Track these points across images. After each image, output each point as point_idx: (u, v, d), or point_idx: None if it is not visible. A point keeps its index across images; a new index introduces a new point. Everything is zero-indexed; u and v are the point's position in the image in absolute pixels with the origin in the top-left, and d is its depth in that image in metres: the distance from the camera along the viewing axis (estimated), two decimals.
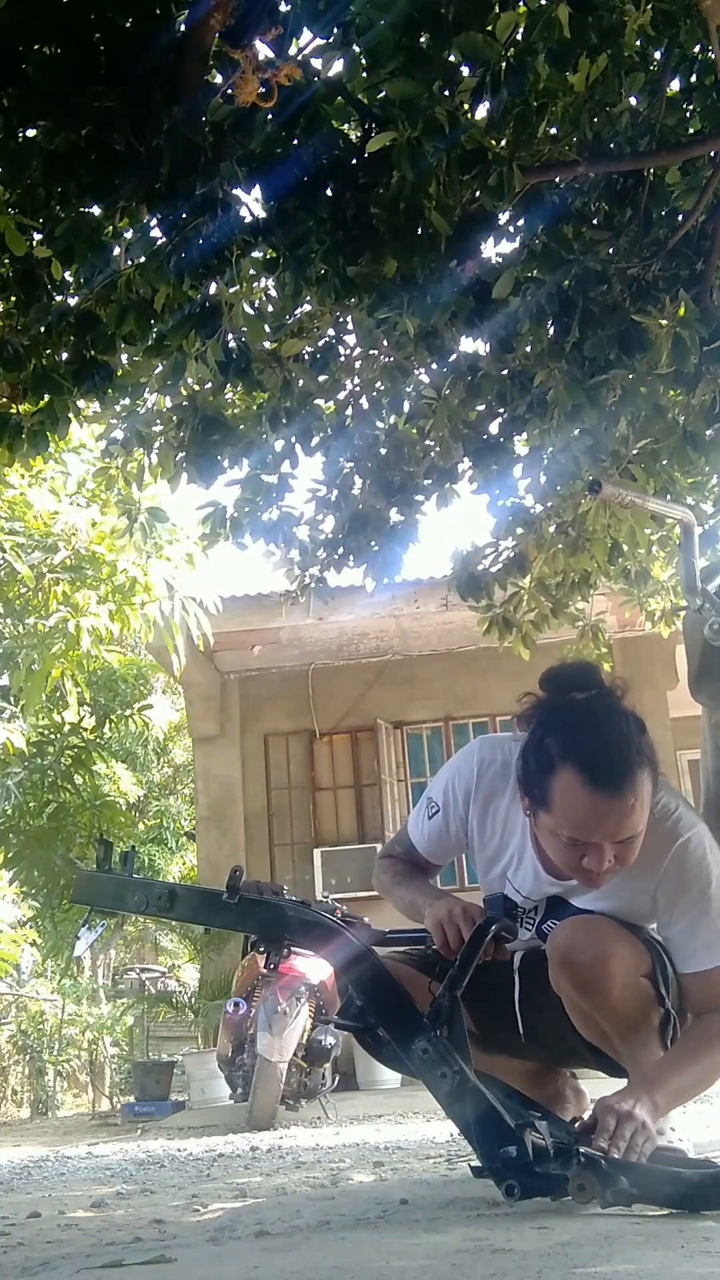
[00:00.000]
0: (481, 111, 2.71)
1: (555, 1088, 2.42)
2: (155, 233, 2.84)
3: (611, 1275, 1.24)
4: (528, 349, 3.71)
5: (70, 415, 3.41)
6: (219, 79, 2.61)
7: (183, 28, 2.48)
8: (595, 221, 3.47)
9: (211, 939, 8.18)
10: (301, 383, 3.96)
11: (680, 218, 3.47)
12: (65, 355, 3.20)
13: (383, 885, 2.31)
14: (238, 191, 2.71)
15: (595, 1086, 2.27)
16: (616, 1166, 1.66)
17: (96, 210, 2.68)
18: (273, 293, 3.66)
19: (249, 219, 2.74)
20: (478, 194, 2.77)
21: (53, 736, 9.81)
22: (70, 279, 2.99)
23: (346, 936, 2.00)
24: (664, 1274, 1.23)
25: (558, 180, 3.30)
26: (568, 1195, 1.65)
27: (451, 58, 2.53)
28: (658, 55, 3.18)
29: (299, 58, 2.57)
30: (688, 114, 3.43)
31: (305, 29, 2.50)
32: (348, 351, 4.15)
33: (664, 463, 3.98)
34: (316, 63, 2.67)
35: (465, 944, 1.92)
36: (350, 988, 2.00)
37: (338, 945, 2.00)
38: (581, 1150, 1.67)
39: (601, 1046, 2.09)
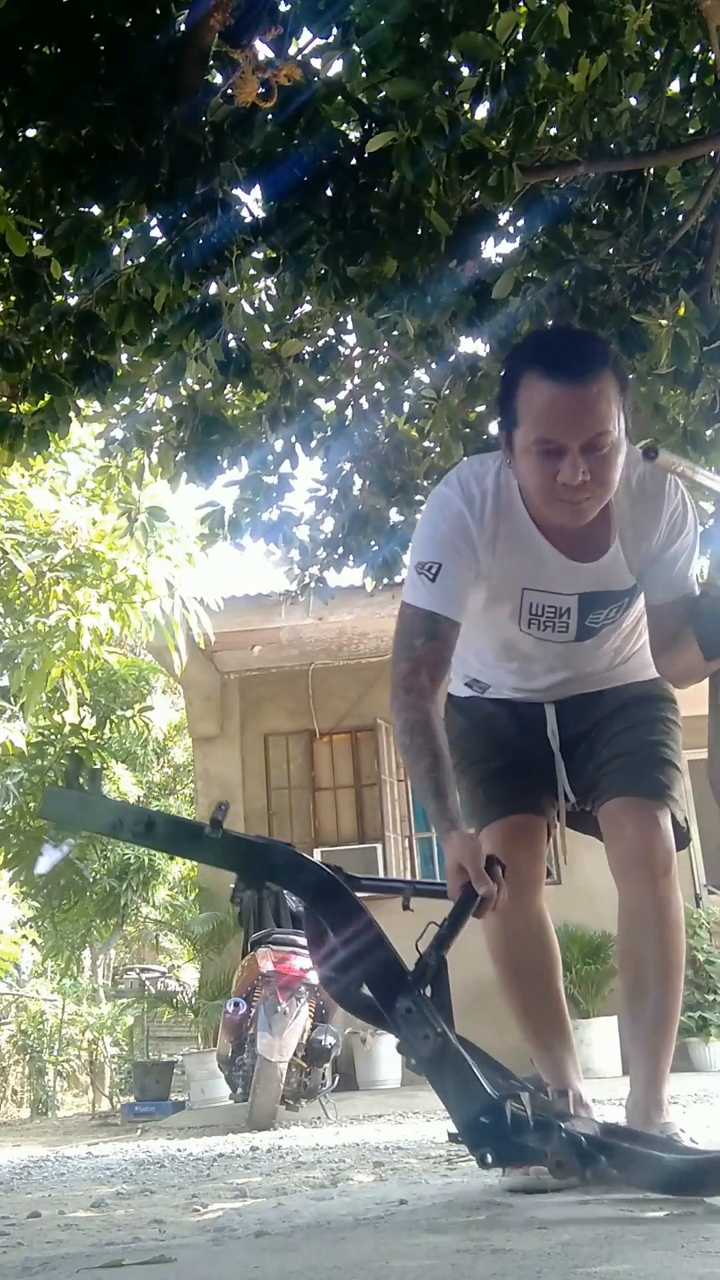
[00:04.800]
0: (481, 111, 2.71)
1: (562, 1036, 2.35)
2: (155, 233, 2.84)
3: (611, 1275, 1.24)
4: None
5: (70, 415, 3.42)
6: (219, 79, 2.61)
7: (183, 28, 2.48)
8: (595, 221, 3.46)
9: (212, 939, 8.18)
10: (301, 383, 3.96)
11: (680, 218, 3.47)
12: (65, 355, 3.20)
13: (399, 736, 2.04)
14: (238, 191, 2.71)
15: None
16: (597, 1146, 1.64)
17: (96, 210, 2.69)
18: (273, 293, 3.66)
19: (249, 219, 2.75)
20: (478, 194, 2.77)
21: (53, 736, 9.81)
22: (70, 279, 2.99)
23: (339, 884, 1.89)
24: (664, 1274, 1.23)
25: (558, 180, 3.30)
26: (544, 1168, 1.64)
27: (451, 58, 2.54)
28: (658, 55, 3.18)
29: (299, 58, 2.57)
30: (688, 114, 3.43)
31: (305, 29, 2.50)
32: (348, 351, 4.15)
33: None
34: (316, 63, 2.67)
35: (455, 903, 1.82)
36: (332, 935, 1.89)
37: (329, 894, 1.89)
38: (563, 1126, 1.65)
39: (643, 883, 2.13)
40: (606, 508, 2.01)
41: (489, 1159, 1.69)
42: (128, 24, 2.49)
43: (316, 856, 8.82)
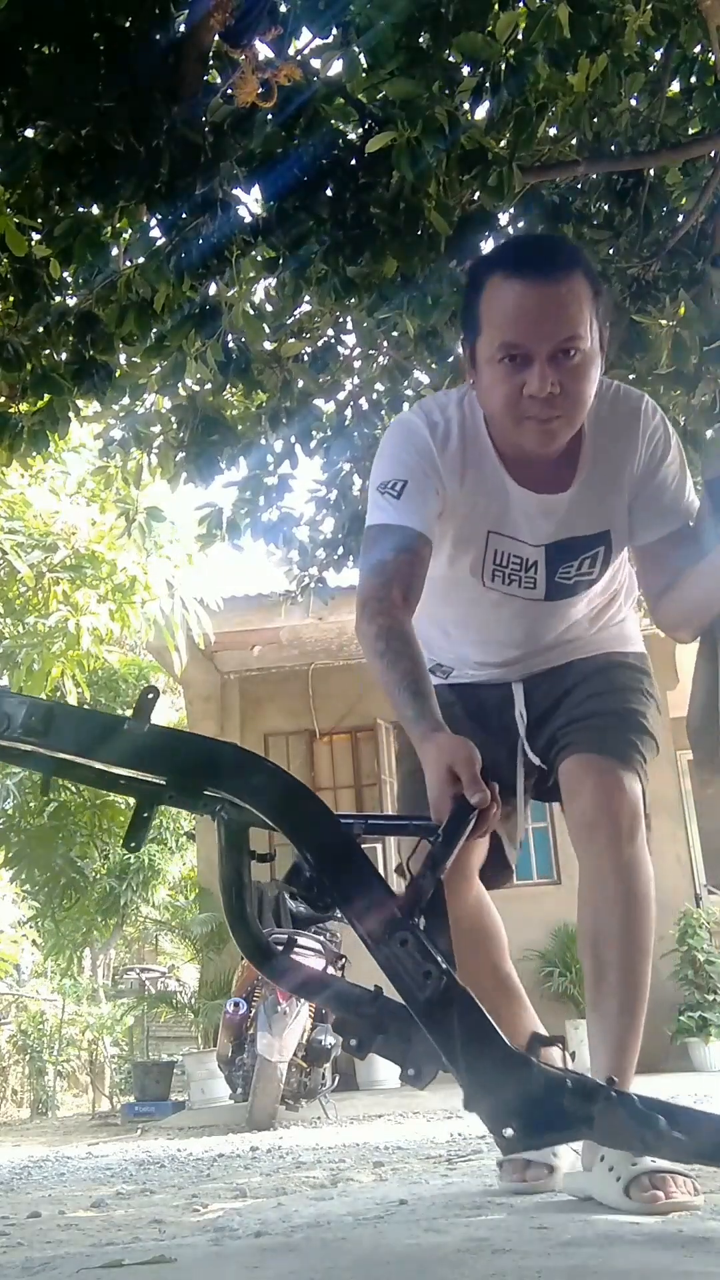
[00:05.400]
0: (481, 111, 2.71)
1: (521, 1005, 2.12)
2: (155, 233, 2.85)
3: (612, 1275, 1.24)
4: None
5: (70, 415, 3.42)
6: (219, 79, 2.61)
7: (183, 28, 2.48)
8: (595, 221, 3.47)
9: (212, 939, 8.17)
10: (301, 383, 3.96)
11: (680, 218, 3.47)
12: (65, 355, 3.20)
13: (365, 643, 1.80)
14: (238, 191, 2.72)
15: None
16: (653, 1106, 1.33)
17: (96, 210, 2.69)
18: (273, 293, 3.66)
19: (249, 219, 2.75)
20: (478, 194, 2.77)
21: None
22: (70, 279, 3.00)
23: (302, 790, 1.54)
24: (665, 1274, 1.23)
25: (558, 180, 3.31)
26: (587, 1137, 1.35)
27: (451, 58, 2.54)
28: (658, 55, 3.18)
29: (299, 58, 2.57)
30: (688, 114, 3.43)
31: (305, 29, 2.50)
32: (348, 351, 4.15)
33: None
34: (316, 63, 2.68)
35: (450, 816, 1.52)
36: (303, 853, 1.49)
37: (290, 801, 1.49)
38: (611, 1084, 1.34)
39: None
40: (577, 436, 1.85)
41: (517, 1137, 1.33)
42: (128, 24, 2.49)
43: None
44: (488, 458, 1.89)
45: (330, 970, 5.74)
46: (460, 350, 1.96)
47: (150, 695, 1.50)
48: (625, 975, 1.87)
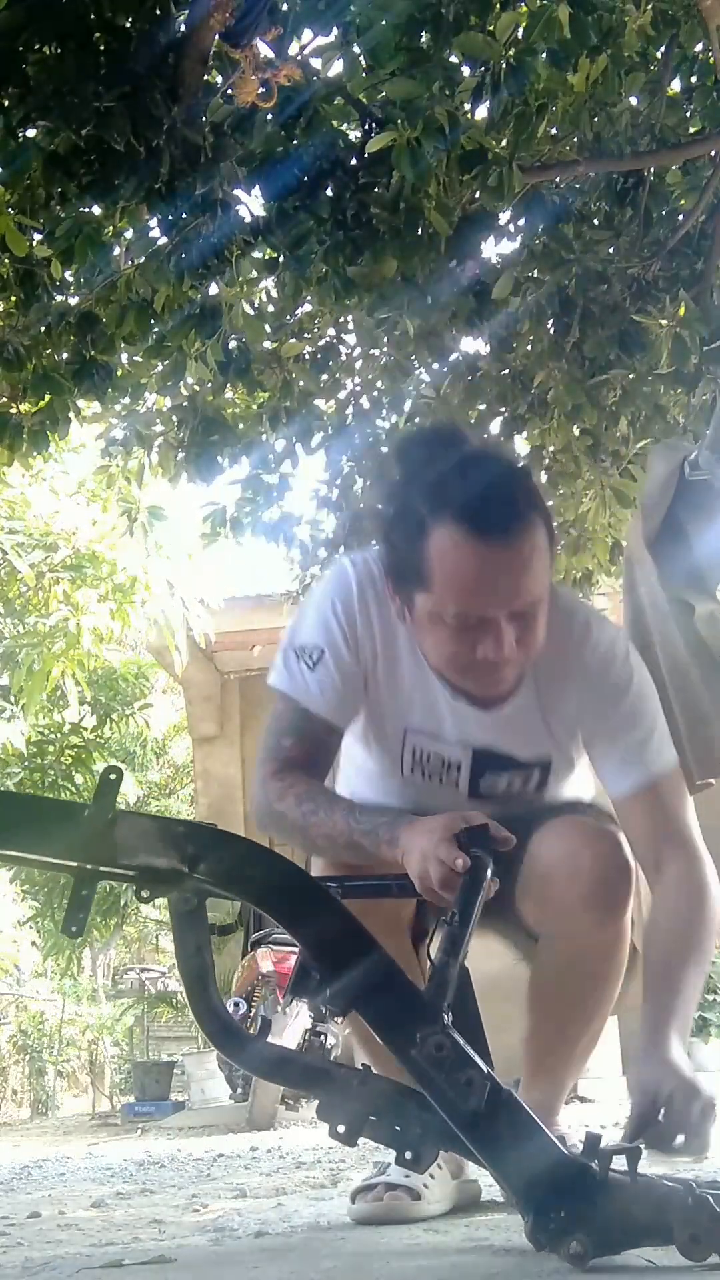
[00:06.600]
0: (481, 111, 2.71)
1: None
2: (155, 233, 2.85)
3: (612, 1276, 1.24)
4: (528, 349, 3.71)
5: (70, 415, 3.42)
6: (219, 79, 2.62)
7: (183, 28, 2.48)
8: (595, 221, 3.47)
9: (212, 939, 8.17)
10: (302, 383, 3.96)
11: (680, 218, 3.47)
12: (65, 355, 3.20)
13: (286, 819, 1.60)
14: (238, 191, 2.72)
15: None
16: None
17: (96, 210, 2.69)
18: (273, 293, 3.67)
19: (249, 219, 2.75)
20: (478, 194, 2.78)
21: (53, 736, 9.81)
22: (70, 279, 3.00)
23: (298, 875, 1.35)
24: (667, 1274, 1.22)
25: (558, 180, 3.31)
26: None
27: (452, 58, 2.54)
28: (658, 55, 3.18)
29: (299, 58, 2.57)
30: (688, 114, 3.43)
31: (305, 29, 2.51)
32: (348, 351, 4.15)
33: None
34: (316, 63, 2.68)
35: (462, 885, 1.34)
36: (309, 952, 1.32)
37: (288, 892, 1.32)
38: (693, 1185, 1.16)
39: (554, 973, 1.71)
40: None
41: (582, 1249, 1.17)
42: (128, 24, 2.49)
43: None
44: (413, 654, 1.67)
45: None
46: (379, 514, 1.68)
47: (113, 776, 1.30)
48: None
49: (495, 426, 4.11)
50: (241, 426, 4.11)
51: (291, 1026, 5.75)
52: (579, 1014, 1.75)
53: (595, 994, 1.73)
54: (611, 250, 3.44)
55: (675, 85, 3.35)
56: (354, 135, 2.84)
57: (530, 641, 1.55)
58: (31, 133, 2.54)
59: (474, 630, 1.52)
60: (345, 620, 1.67)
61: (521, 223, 3.30)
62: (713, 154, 3.34)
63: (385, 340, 3.90)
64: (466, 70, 2.57)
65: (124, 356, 3.54)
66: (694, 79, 3.33)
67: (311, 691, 1.66)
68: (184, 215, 2.60)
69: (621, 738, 1.67)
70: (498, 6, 2.52)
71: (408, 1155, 1.28)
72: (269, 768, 1.65)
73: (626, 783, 1.66)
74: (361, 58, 2.57)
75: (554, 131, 3.13)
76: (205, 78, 2.56)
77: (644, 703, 1.68)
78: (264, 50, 2.45)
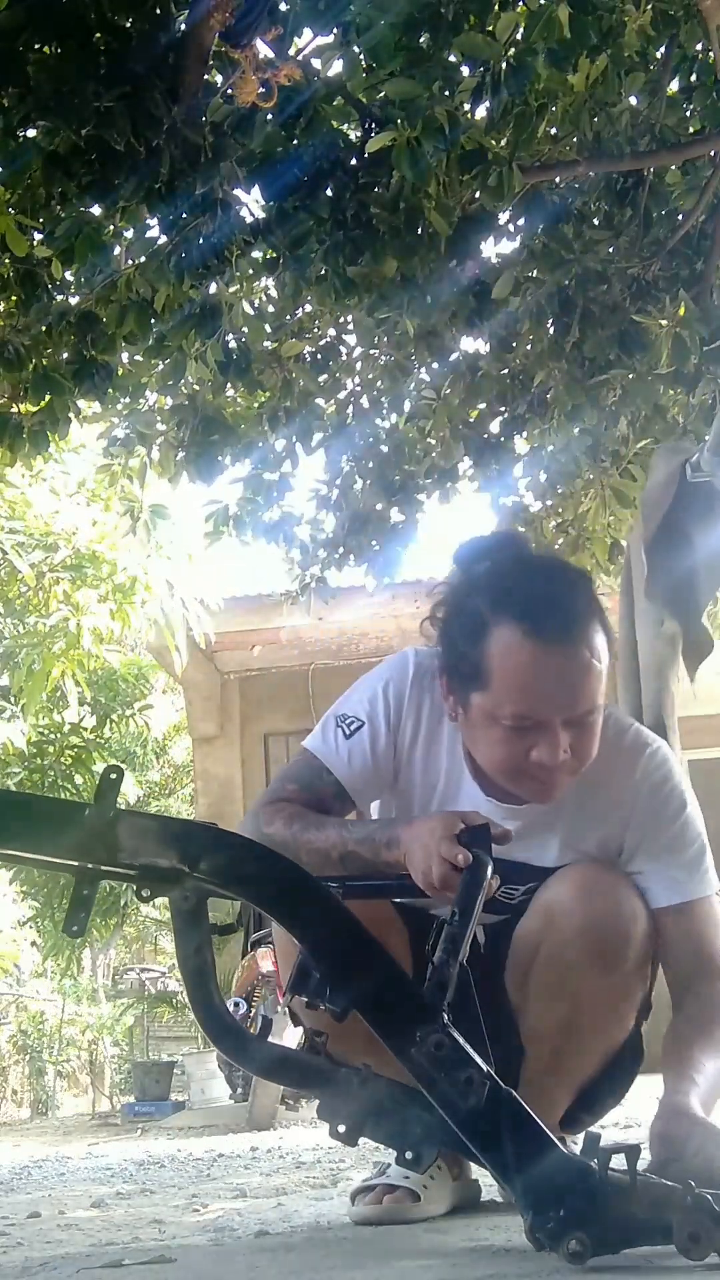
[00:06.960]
0: (481, 111, 2.71)
1: None
2: (155, 233, 2.85)
3: (612, 1275, 1.24)
4: (528, 349, 3.71)
5: (70, 415, 3.42)
6: (219, 79, 2.62)
7: (183, 28, 2.48)
8: (595, 221, 3.47)
9: (212, 939, 8.17)
10: (301, 383, 3.96)
11: (680, 218, 3.47)
12: (65, 355, 3.20)
13: (275, 840, 1.60)
14: (238, 191, 2.72)
15: None
16: None
17: (96, 210, 2.69)
18: (273, 293, 3.67)
19: (249, 219, 2.75)
20: (478, 194, 2.78)
21: (53, 736, 9.82)
22: (70, 279, 3.00)
23: (298, 874, 1.34)
24: (668, 1275, 1.22)
25: (558, 180, 3.31)
26: (666, 1245, 1.19)
27: (452, 58, 2.54)
28: (658, 55, 3.18)
29: (299, 58, 2.57)
30: (688, 114, 3.43)
31: (305, 29, 2.51)
32: (348, 351, 4.15)
33: None
34: (316, 63, 2.68)
35: (462, 884, 1.37)
36: (308, 951, 1.30)
37: (287, 891, 1.32)
38: (691, 1184, 1.17)
39: (557, 1038, 1.67)
40: None
41: (587, 1249, 1.17)
42: (128, 24, 2.49)
43: None
44: (454, 756, 1.70)
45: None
46: (439, 614, 1.67)
47: (113, 776, 1.30)
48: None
49: (495, 426, 4.11)
50: (242, 426, 4.11)
51: (291, 1026, 5.76)
52: (577, 1065, 1.72)
53: (595, 1045, 1.70)
54: (611, 250, 3.44)
55: (675, 85, 3.35)
56: (354, 135, 2.84)
57: (585, 750, 1.54)
58: (31, 133, 2.54)
59: (530, 734, 1.52)
60: (394, 701, 1.71)
61: (521, 223, 3.30)
62: (713, 154, 3.34)
63: (385, 340, 3.91)
64: (466, 70, 2.57)
65: (124, 356, 3.54)
66: (694, 79, 3.33)
67: (339, 754, 1.70)
68: (184, 215, 2.60)
69: (667, 857, 1.67)
70: (497, 6, 2.52)
71: (408, 1155, 1.29)
72: (262, 801, 1.70)
73: (664, 899, 1.66)
74: (361, 58, 2.57)
75: (554, 131, 3.13)
76: (205, 78, 2.56)
77: (692, 825, 1.69)
78: (264, 50, 2.45)
